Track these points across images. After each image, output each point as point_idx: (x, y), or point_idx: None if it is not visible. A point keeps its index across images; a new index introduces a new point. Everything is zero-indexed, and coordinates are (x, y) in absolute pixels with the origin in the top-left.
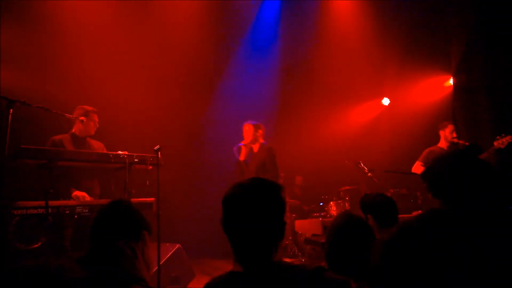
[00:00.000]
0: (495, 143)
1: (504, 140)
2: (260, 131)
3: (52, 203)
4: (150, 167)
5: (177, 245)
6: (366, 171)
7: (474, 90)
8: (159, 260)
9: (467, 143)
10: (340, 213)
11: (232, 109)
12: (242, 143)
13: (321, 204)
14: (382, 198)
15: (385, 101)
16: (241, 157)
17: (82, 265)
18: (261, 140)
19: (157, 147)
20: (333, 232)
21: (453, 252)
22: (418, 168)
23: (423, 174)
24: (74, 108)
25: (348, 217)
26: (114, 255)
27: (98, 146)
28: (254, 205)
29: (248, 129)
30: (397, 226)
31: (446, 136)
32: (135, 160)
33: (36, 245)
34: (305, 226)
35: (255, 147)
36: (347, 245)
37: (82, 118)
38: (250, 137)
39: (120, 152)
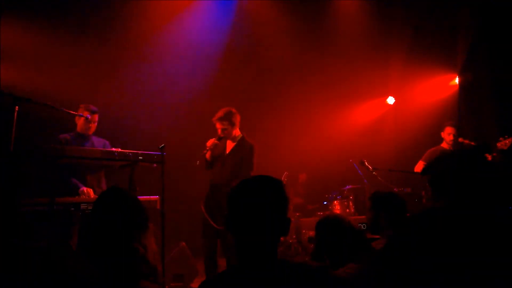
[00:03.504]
0: (498, 144)
1: (507, 141)
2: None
3: (58, 200)
4: (155, 165)
5: (182, 243)
6: (371, 169)
7: (480, 89)
8: (163, 258)
9: (472, 143)
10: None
11: (233, 105)
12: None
13: (325, 203)
14: (393, 196)
15: (390, 100)
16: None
17: (90, 259)
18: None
19: (162, 145)
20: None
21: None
22: (420, 168)
23: (426, 168)
24: (78, 107)
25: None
26: (124, 252)
27: (102, 143)
28: (259, 203)
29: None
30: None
31: (444, 137)
32: (140, 158)
33: (42, 242)
34: (309, 225)
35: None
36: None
37: (88, 115)
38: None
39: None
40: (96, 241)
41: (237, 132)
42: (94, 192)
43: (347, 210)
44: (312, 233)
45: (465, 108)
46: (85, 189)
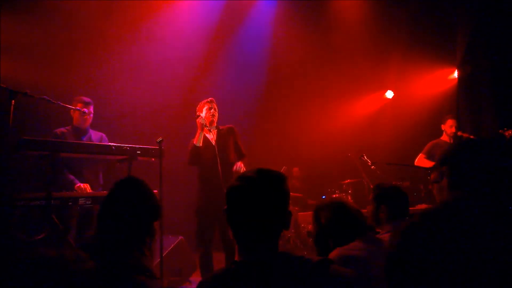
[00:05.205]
0: None
1: (506, 133)
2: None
3: (55, 194)
4: (153, 159)
5: (180, 237)
6: (370, 163)
7: (479, 82)
8: (161, 252)
9: (471, 136)
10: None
11: (231, 100)
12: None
13: (323, 197)
14: (396, 189)
15: (389, 94)
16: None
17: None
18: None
19: (159, 139)
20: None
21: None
22: (421, 160)
23: (446, 158)
24: (72, 100)
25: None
26: (120, 251)
27: (99, 137)
28: (260, 197)
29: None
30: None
31: (446, 130)
32: (138, 152)
33: (39, 237)
34: (308, 219)
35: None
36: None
37: (84, 109)
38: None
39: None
40: (102, 236)
41: None
42: (91, 187)
43: None
44: (310, 227)
45: (464, 102)
46: (81, 185)
